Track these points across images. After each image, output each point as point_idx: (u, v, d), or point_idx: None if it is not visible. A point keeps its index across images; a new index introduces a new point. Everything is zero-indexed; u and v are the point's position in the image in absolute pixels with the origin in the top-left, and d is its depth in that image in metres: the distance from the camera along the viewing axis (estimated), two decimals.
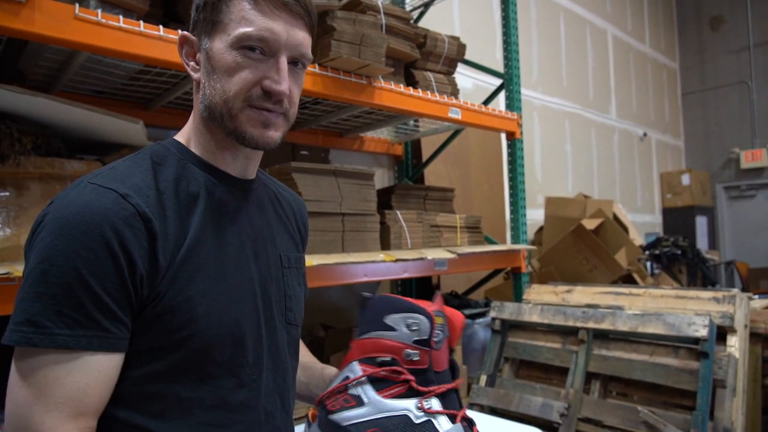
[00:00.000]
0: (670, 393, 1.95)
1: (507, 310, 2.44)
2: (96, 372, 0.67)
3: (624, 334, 2.09)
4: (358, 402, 0.65)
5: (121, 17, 1.41)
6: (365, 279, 1.98)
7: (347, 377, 0.67)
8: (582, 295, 2.41)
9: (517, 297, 2.71)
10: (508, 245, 2.76)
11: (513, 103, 2.76)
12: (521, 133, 2.74)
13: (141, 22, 1.45)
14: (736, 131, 7.31)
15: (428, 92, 2.27)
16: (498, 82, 2.90)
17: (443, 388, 0.65)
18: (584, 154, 5.62)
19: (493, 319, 2.46)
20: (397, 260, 2.02)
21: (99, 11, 1.37)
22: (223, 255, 0.80)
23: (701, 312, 2.04)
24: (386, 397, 0.64)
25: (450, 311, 0.69)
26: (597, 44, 5.99)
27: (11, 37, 1.48)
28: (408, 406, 0.64)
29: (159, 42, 1.48)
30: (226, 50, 0.77)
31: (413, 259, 2.09)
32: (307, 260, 1.02)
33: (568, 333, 2.25)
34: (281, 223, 0.96)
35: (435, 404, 0.64)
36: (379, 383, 0.65)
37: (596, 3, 6.00)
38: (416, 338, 0.65)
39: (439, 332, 0.66)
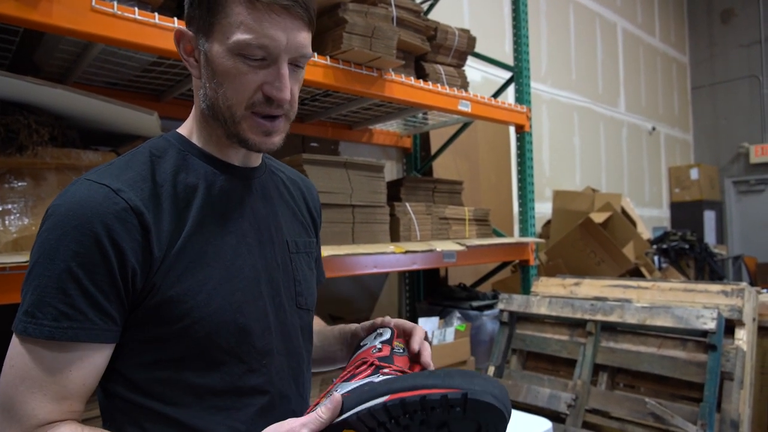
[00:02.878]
0: (677, 385, 1.97)
1: (515, 302, 2.45)
2: (79, 361, 0.70)
3: (632, 326, 2.10)
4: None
5: (136, 9, 1.42)
6: (375, 270, 2.00)
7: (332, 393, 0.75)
8: (590, 287, 2.42)
9: (525, 289, 2.73)
10: (517, 238, 2.77)
11: (522, 96, 2.76)
12: (530, 126, 2.74)
13: (156, 14, 1.46)
14: (745, 125, 7.26)
15: (438, 85, 2.27)
16: (507, 74, 2.89)
17: (400, 368, 0.77)
18: (592, 148, 5.60)
19: (501, 311, 2.48)
20: (406, 252, 2.03)
21: (115, 3, 1.39)
22: (223, 244, 0.81)
23: (710, 305, 2.04)
24: (355, 380, 0.73)
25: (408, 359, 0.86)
26: (606, 37, 5.96)
27: (27, 29, 1.50)
28: (371, 377, 0.74)
29: (173, 34, 1.49)
30: (225, 55, 0.75)
31: (422, 251, 2.11)
32: None
33: (575, 325, 2.26)
34: (288, 208, 0.96)
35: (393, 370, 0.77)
36: (352, 378, 0.75)
37: None
38: (381, 340, 0.82)
39: (399, 346, 0.83)
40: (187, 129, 0.87)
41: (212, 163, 0.84)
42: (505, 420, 0.65)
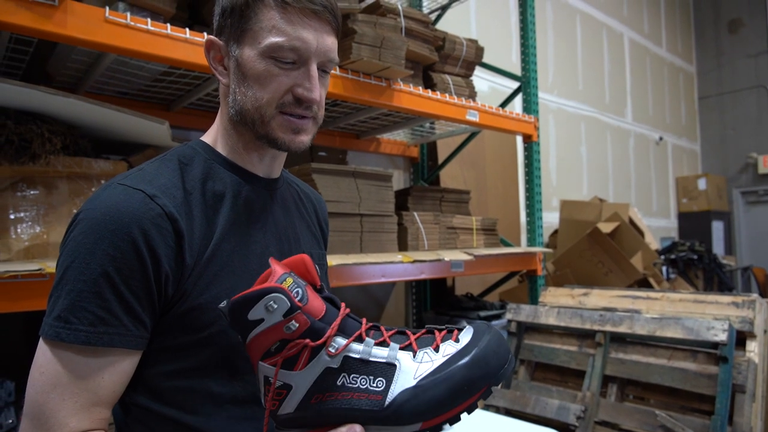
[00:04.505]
0: (687, 397, 1.94)
1: (523, 313, 2.44)
2: (112, 367, 0.70)
3: (642, 337, 2.08)
4: (288, 388, 0.66)
5: (149, 20, 1.44)
6: (383, 279, 2.00)
7: (265, 378, 0.67)
8: (599, 298, 2.41)
9: (533, 300, 2.71)
10: (524, 248, 2.76)
11: (530, 106, 2.76)
12: (538, 136, 2.74)
13: (168, 25, 1.48)
14: (753, 136, 7.23)
15: (446, 95, 2.28)
16: (514, 84, 2.90)
17: (334, 326, 0.66)
18: (599, 158, 5.59)
19: (509, 321, 2.47)
20: (414, 261, 2.03)
21: (128, 14, 1.40)
22: (249, 253, 0.82)
23: (720, 316, 2.03)
24: (302, 369, 0.66)
25: (290, 262, 0.69)
26: (613, 47, 5.97)
27: (42, 39, 1.52)
28: (319, 363, 0.66)
29: (185, 44, 1.51)
30: (256, 59, 0.78)
31: (430, 261, 2.10)
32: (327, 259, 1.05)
33: (584, 336, 2.24)
34: (303, 221, 0.98)
35: (338, 342, 0.66)
36: (288, 364, 0.66)
37: (613, 6, 5.98)
38: (281, 314, 0.65)
39: (296, 291, 0.66)
40: (211, 137, 0.88)
41: (237, 172, 0.85)
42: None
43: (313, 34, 0.78)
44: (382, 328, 0.70)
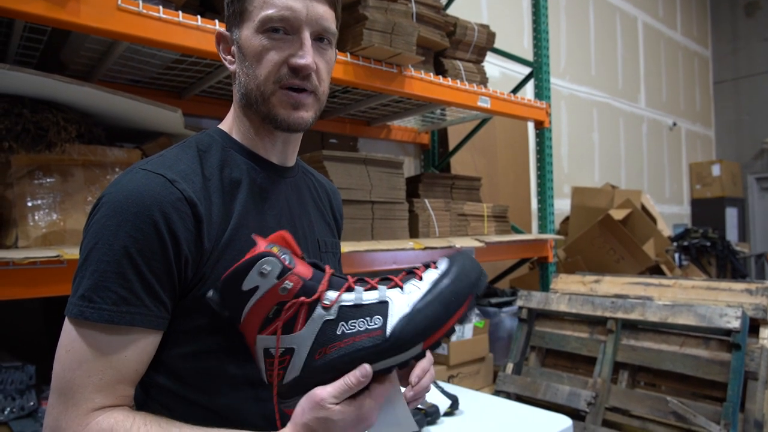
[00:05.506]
0: (699, 384, 1.94)
1: (534, 299, 2.44)
2: (134, 346, 0.72)
3: (654, 324, 2.08)
4: (291, 352, 0.69)
5: (161, 7, 1.44)
6: (394, 266, 2.01)
7: (266, 351, 0.70)
8: (610, 285, 2.40)
9: (544, 286, 2.71)
10: (535, 235, 2.75)
11: (542, 92, 2.74)
12: (550, 123, 2.72)
13: (180, 13, 1.48)
14: None
15: (458, 81, 2.27)
16: (525, 70, 2.87)
17: (324, 282, 0.70)
18: (612, 144, 5.54)
19: (521, 308, 2.47)
20: (425, 248, 2.03)
21: (140, 2, 1.41)
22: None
23: (733, 303, 2.02)
24: (302, 329, 0.69)
25: (272, 238, 0.72)
26: (627, 31, 5.88)
27: (55, 29, 1.53)
28: (317, 319, 0.69)
29: (196, 32, 1.51)
30: (252, 36, 0.80)
31: (441, 248, 2.11)
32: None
33: (595, 323, 2.25)
34: (318, 209, 1.00)
35: (330, 295, 0.70)
36: (288, 327, 0.69)
37: None
38: (275, 276, 0.68)
39: (284, 256, 0.69)
40: (227, 125, 0.89)
41: (252, 158, 0.87)
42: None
43: (302, 3, 0.79)
44: (367, 278, 0.74)
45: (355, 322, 0.69)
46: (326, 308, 0.69)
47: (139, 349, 0.72)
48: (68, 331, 0.71)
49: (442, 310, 0.68)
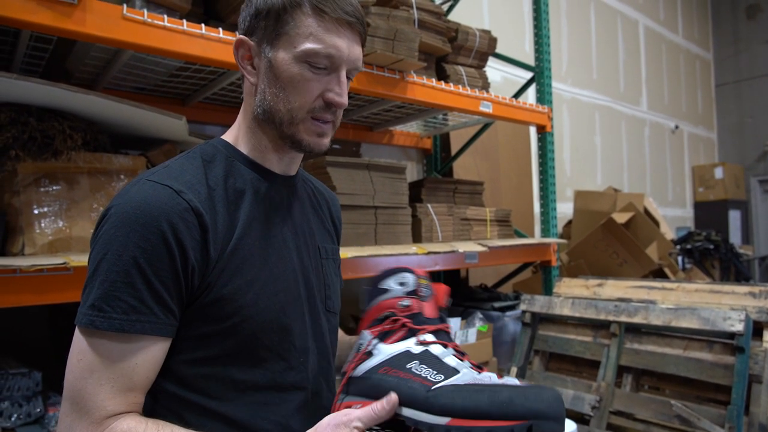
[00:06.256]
0: (703, 387, 1.94)
1: (538, 303, 2.44)
2: (145, 353, 0.73)
3: (657, 328, 2.08)
4: (370, 355, 0.76)
5: (165, 16, 1.46)
6: None
7: (360, 345, 0.78)
8: (614, 288, 2.40)
9: (547, 290, 2.72)
10: (538, 239, 2.76)
11: (544, 96, 2.75)
12: (552, 127, 2.73)
13: (184, 21, 1.50)
14: None
15: (459, 86, 2.28)
16: (527, 74, 2.88)
17: (434, 327, 0.76)
18: (614, 147, 5.54)
19: (524, 311, 2.47)
20: (429, 253, 2.04)
21: (145, 11, 1.42)
22: (268, 246, 0.85)
23: (737, 307, 2.01)
24: (391, 343, 0.76)
25: (435, 285, 0.82)
26: (628, 35, 5.89)
27: (61, 38, 1.55)
28: (408, 344, 0.75)
29: (200, 40, 1.53)
30: (291, 62, 0.81)
31: (445, 252, 2.12)
32: (341, 252, 1.08)
33: (599, 326, 2.24)
34: (317, 216, 1.02)
35: (429, 337, 0.75)
36: (384, 336, 0.77)
37: None
38: (406, 290, 0.77)
39: (424, 288, 0.78)
40: (232, 136, 0.91)
41: (256, 169, 0.88)
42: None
43: (346, 43, 0.82)
44: (467, 357, 0.76)
45: (425, 368, 0.72)
46: (418, 343, 0.75)
47: (150, 356, 0.74)
48: (79, 340, 0.73)
49: (484, 406, 0.64)
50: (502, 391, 0.65)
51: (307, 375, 0.87)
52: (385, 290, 0.77)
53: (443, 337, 0.76)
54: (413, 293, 0.77)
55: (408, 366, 0.72)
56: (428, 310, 0.77)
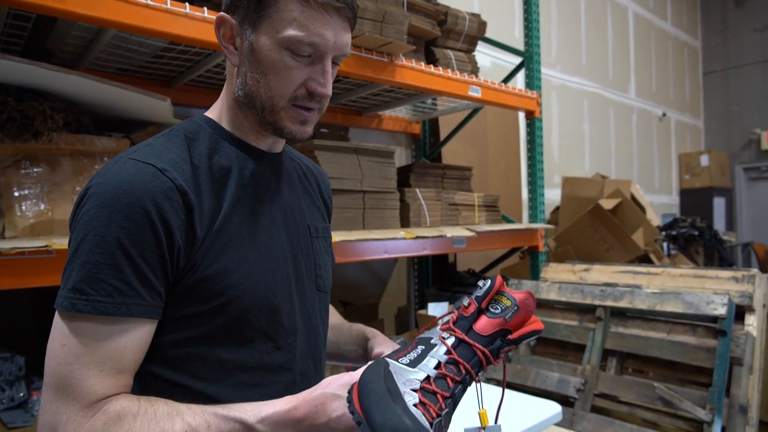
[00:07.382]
0: (686, 370, 1.97)
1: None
2: (132, 336, 0.71)
3: (642, 312, 2.11)
4: (415, 345, 0.75)
5: None
6: (386, 255, 2.01)
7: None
8: (600, 274, 2.42)
9: (534, 275, 2.73)
10: (526, 224, 2.77)
11: (533, 82, 2.74)
12: (540, 113, 2.73)
13: (167, 0, 1.46)
14: (758, 111, 7.16)
15: (448, 70, 2.26)
16: (516, 60, 2.87)
17: (463, 336, 0.72)
18: (602, 134, 5.56)
19: None
20: (417, 237, 2.04)
21: None
22: (255, 225, 0.83)
23: (720, 291, 2.04)
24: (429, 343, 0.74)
25: (532, 317, 0.76)
26: (617, 22, 5.88)
27: (40, 15, 1.51)
28: (436, 332, 0.74)
29: (184, 19, 1.49)
30: (273, 48, 0.78)
31: (432, 237, 2.12)
32: None
33: (585, 311, 2.27)
34: (308, 194, 1.00)
35: (450, 341, 0.72)
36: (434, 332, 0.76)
37: None
38: (477, 294, 0.74)
39: (496, 305, 0.73)
40: (215, 113, 0.89)
41: (241, 147, 0.86)
42: None
43: (332, 31, 0.78)
44: (470, 374, 0.73)
45: (426, 361, 0.71)
46: (439, 336, 0.73)
47: (137, 338, 0.72)
48: (60, 325, 0.70)
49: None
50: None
51: (294, 356, 0.86)
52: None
53: (466, 356, 0.71)
54: (478, 299, 0.74)
55: (424, 360, 0.71)
56: (483, 326, 0.72)
